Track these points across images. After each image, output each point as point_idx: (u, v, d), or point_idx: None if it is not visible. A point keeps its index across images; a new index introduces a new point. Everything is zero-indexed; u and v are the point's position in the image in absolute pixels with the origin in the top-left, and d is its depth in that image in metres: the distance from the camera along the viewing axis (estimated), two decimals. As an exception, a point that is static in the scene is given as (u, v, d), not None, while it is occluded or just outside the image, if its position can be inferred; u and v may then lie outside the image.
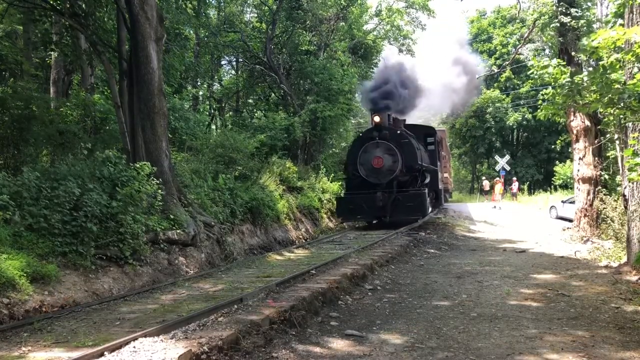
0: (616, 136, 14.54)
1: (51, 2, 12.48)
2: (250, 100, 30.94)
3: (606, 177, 15.91)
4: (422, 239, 14.52)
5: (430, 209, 18.68)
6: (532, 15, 19.29)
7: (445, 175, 26.55)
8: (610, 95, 6.09)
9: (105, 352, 4.37)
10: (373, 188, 16.39)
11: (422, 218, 18.15)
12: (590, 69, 9.49)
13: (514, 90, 45.24)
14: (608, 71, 6.10)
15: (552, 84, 8.14)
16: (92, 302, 6.71)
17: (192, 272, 9.44)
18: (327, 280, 7.57)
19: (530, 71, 9.27)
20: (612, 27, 8.18)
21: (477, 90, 31.30)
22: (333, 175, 22.23)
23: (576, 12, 15.95)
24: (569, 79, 6.87)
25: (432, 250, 12.95)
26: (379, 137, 16.74)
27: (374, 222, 17.90)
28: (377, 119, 16.92)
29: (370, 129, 17.99)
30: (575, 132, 16.21)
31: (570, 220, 18.00)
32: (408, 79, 22.18)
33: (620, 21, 10.34)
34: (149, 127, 10.74)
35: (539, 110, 7.66)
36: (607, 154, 16.44)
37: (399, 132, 17.21)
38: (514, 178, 37.24)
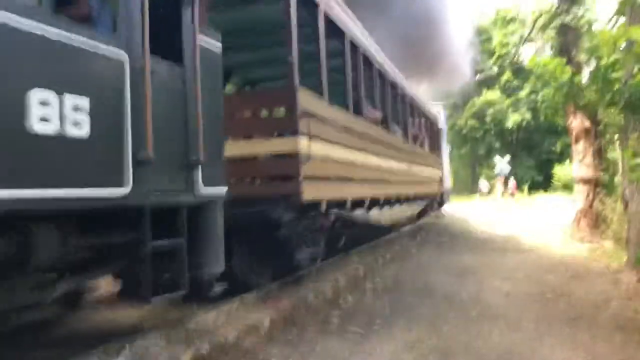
0: (616, 137, 14.53)
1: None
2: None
3: (606, 178, 15.90)
4: (423, 238, 14.51)
5: None
6: (532, 14, 19.27)
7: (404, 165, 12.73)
8: (611, 94, 6.08)
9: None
10: None
11: None
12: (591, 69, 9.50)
13: (514, 91, 45.22)
14: (609, 70, 6.09)
15: (552, 83, 8.11)
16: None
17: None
18: (327, 279, 7.57)
19: (528, 64, 9.23)
20: (613, 26, 8.18)
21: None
22: None
23: (577, 11, 15.94)
24: (569, 77, 6.86)
25: (433, 250, 12.94)
26: None
27: None
28: None
29: None
30: (575, 133, 16.20)
31: (570, 221, 17.98)
32: None
33: (621, 21, 10.34)
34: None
35: (540, 105, 7.64)
36: (607, 155, 16.41)
37: None
38: (512, 178, 37.22)
